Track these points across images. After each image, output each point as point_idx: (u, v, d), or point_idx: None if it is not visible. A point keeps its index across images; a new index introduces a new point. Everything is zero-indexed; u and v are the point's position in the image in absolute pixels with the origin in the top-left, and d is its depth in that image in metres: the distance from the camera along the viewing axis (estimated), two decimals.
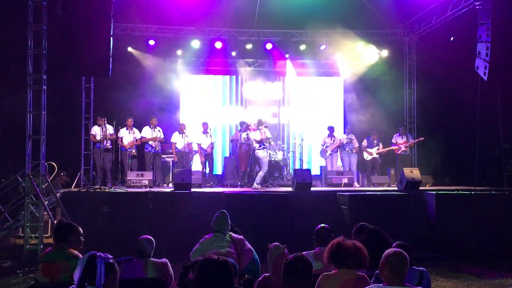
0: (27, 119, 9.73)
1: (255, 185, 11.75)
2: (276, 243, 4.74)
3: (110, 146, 12.63)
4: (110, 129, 12.61)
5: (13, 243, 10.17)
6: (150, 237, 5.24)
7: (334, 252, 4.06)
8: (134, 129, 12.94)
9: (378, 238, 4.70)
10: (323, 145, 13.94)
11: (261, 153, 11.98)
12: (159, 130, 13.07)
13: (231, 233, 5.87)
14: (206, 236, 5.83)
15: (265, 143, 12.07)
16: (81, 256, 4.57)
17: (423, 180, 11.45)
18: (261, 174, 11.89)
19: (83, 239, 5.03)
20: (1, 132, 10.73)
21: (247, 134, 12.52)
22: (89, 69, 10.05)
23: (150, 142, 12.86)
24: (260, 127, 12.07)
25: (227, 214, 6.02)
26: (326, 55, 15.85)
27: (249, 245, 5.85)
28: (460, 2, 11.93)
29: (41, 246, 9.18)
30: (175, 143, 13.11)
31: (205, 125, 13.48)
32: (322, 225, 5.35)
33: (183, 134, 13.10)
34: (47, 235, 10.28)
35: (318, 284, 3.95)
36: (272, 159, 13.62)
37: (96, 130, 12.44)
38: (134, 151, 12.85)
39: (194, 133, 13.53)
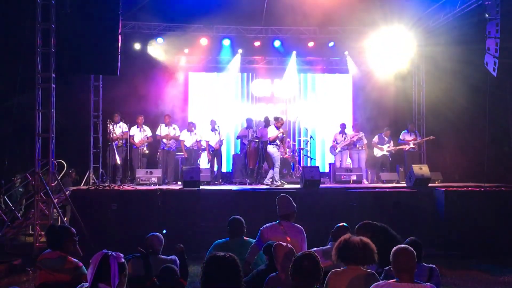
0: (36, 118, 9.78)
1: (275, 183, 11.31)
2: (279, 242, 4.67)
3: (124, 144, 12.69)
4: (124, 127, 12.68)
5: (23, 241, 10.23)
6: (159, 234, 5.26)
7: (341, 249, 4.06)
8: (145, 127, 13.01)
9: (385, 236, 4.68)
10: (334, 141, 13.89)
11: (271, 149, 11.55)
12: (174, 128, 13.17)
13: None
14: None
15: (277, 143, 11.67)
16: (81, 265, 4.60)
17: (432, 176, 11.42)
18: (276, 170, 11.44)
19: (76, 239, 4.89)
20: (11, 131, 10.81)
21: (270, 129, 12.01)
22: (98, 68, 10.08)
23: (164, 140, 12.93)
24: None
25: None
26: (334, 52, 15.82)
27: None
28: None
29: None
30: (184, 141, 13.17)
31: (213, 122, 13.50)
32: (343, 224, 5.32)
33: (192, 132, 13.15)
34: None
35: (328, 281, 3.95)
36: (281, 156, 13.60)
37: (111, 128, 12.37)
38: (145, 149, 12.91)
39: (203, 131, 13.56)
